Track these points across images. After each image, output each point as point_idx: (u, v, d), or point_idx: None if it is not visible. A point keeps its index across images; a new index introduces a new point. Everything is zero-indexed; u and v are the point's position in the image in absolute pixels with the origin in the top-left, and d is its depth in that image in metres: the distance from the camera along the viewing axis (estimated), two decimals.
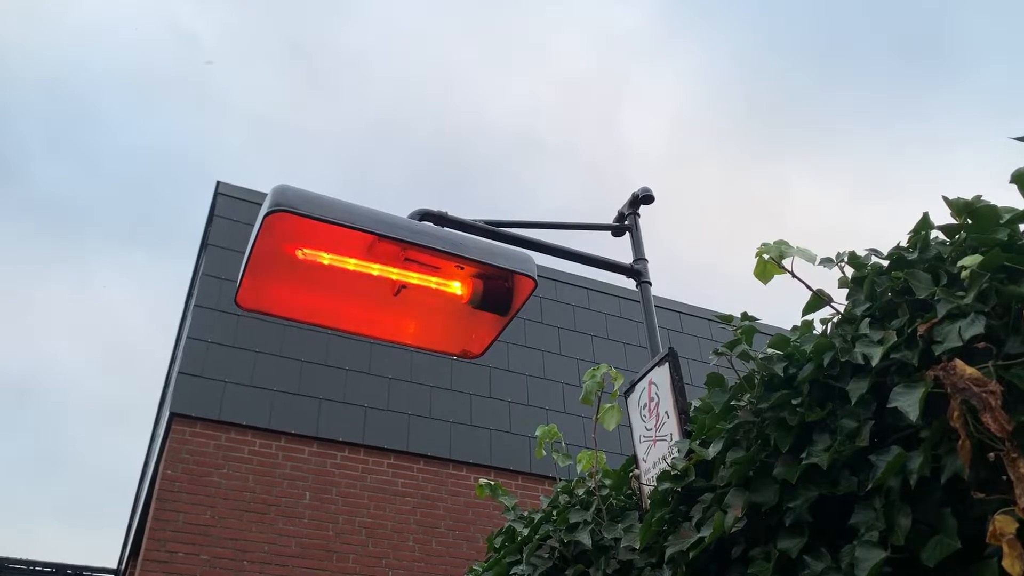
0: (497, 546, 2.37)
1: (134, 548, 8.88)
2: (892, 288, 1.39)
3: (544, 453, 2.47)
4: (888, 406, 1.22)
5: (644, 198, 2.53)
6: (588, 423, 8.24)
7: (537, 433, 2.46)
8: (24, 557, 11.40)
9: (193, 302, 7.98)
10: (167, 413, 7.47)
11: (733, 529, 1.45)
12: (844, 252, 1.52)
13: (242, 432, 7.35)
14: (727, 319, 1.65)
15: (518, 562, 2.16)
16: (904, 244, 1.43)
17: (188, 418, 7.21)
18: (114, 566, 11.71)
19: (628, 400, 2.14)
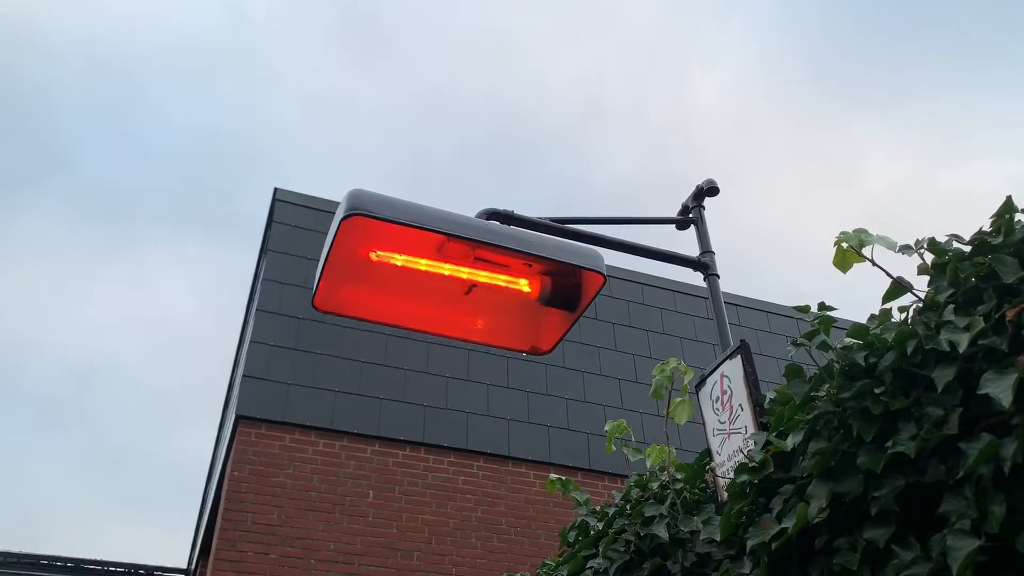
0: (571, 540, 2.39)
1: (204, 548, 9.11)
2: (976, 273, 1.37)
3: (614, 448, 2.48)
4: (979, 392, 1.20)
5: (709, 190, 2.52)
6: (647, 418, 8.24)
7: (606, 428, 2.48)
8: (98, 558, 11.77)
9: (255, 307, 8.15)
10: (232, 416, 7.64)
11: (816, 520, 1.45)
12: (923, 238, 1.50)
13: (306, 433, 7.49)
14: (804, 309, 1.64)
15: (593, 556, 2.18)
16: (987, 228, 1.42)
17: (253, 420, 7.38)
18: (183, 565, 12.02)
19: (699, 394, 2.14)
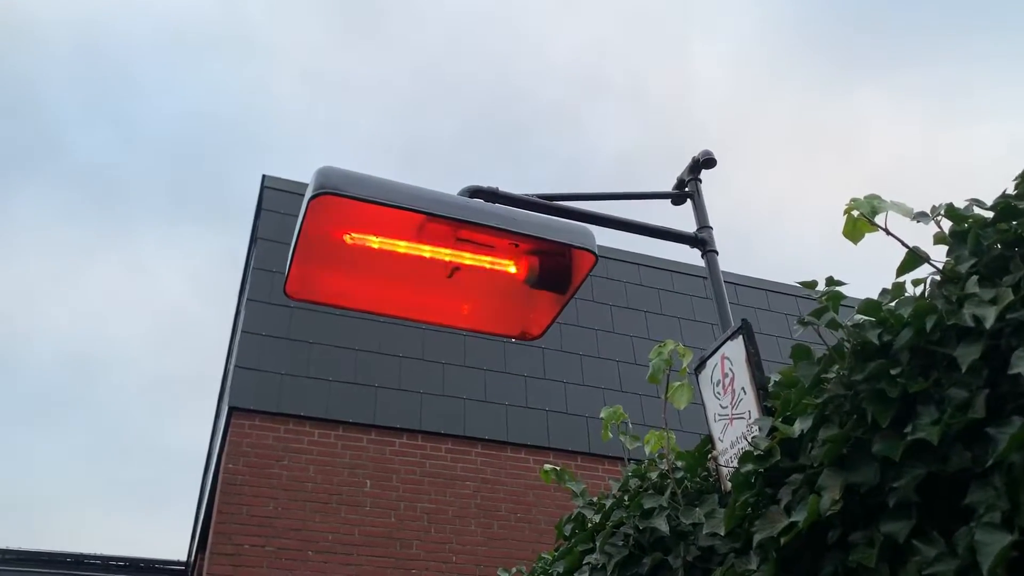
0: (567, 534, 2.28)
1: (201, 541, 9.03)
2: (1001, 240, 1.25)
3: (611, 436, 2.36)
4: (1009, 372, 1.09)
5: (705, 162, 2.38)
6: (647, 402, 8.14)
7: (602, 415, 2.36)
8: (98, 552, 11.73)
9: (246, 296, 8.03)
10: (226, 407, 7.53)
11: (829, 512, 1.33)
12: (940, 205, 1.38)
13: (300, 423, 7.39)
14: (810, 285, 1.52)
15: (590, 550, 2.07)
16: (1011, 191, 1.29)
17: (247, 411, 7.27)
18: (183, 558, 11.97)
19: (699, 377, 2.02)
